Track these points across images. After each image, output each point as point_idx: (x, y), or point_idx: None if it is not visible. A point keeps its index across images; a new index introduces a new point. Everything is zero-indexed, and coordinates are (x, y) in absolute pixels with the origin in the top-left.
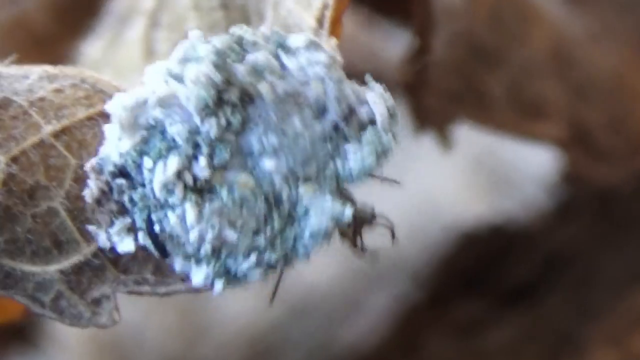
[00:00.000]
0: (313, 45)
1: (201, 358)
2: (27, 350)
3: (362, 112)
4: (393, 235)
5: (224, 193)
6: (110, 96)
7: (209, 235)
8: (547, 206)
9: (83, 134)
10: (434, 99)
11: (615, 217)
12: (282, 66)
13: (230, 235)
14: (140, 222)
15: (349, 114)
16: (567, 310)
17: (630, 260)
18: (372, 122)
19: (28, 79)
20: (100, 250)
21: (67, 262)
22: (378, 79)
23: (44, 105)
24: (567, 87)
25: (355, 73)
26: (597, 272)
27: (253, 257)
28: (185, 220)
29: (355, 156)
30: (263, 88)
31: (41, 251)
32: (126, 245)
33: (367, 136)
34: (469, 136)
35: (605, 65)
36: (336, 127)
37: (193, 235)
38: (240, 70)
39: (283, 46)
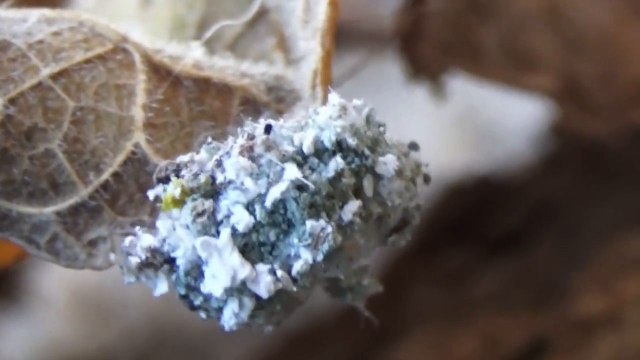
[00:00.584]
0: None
1: (182, 315)
2: (10, 307)
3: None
4: None
5: (278, 306)
6: (108, 39)
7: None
8: (533, 158)
9: (81, 76)
10: (428, 50)
11: (601, 168)
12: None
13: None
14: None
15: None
16: (554, 258)
17: (618, 209)
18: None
19: (26, 22)
20: (97, 191)
21: (63, 204)
22: (371, 31)
23: (42, 48)
24: (560, 41)
25: (349, 28)
26: (584, 221)
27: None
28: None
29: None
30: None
31: (38, 193)
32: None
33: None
34: (455, 89)
35: (598, 20)
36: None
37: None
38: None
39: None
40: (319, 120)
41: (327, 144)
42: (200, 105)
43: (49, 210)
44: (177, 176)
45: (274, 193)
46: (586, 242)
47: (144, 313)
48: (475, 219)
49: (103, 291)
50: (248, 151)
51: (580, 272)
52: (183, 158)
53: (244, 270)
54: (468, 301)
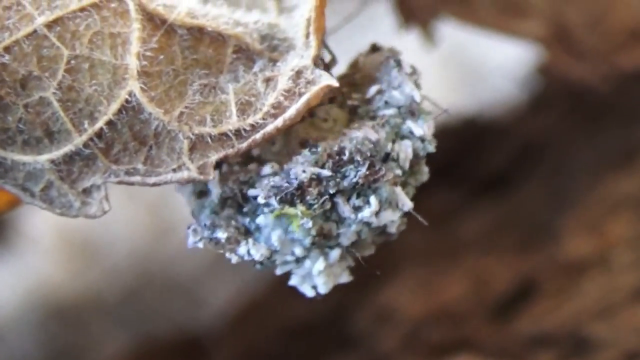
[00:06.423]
0: None
1: (169, 255)
2: None
3: None
4: None
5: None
6: None
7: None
8: (519, 98)
9: (76, 25)
10: None
11: (587, 108)
12: None
13: None
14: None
15: None
16: (541, 199)
17: (604, 149)
18: None
19: None
20: (91, 140)
21: (58, 152)
22: None
23: None
24: None
25: None
26: (571, 162)
27: None
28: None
29: None
30: None
31: (32, 141)
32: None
33: None
34: (442, 31)
35: None
36: None
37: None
38: None
39: None
40: (413, 129)
41: (422, 155)
42: (194, 53)
43: (44, 158)
44: (302, 200)
45: (386, 219)
46: (573, 183)
47: (131, 252)
48: (461, 160)
49: (90, 231)
50: (371, 182)
51: (568, 214)
52: (293, 175)
53: (344, 277)
54: (455, 243)
